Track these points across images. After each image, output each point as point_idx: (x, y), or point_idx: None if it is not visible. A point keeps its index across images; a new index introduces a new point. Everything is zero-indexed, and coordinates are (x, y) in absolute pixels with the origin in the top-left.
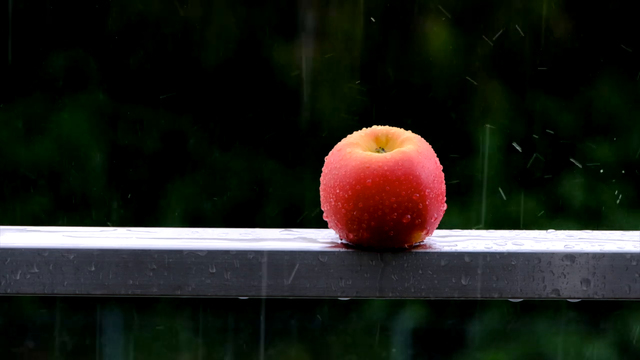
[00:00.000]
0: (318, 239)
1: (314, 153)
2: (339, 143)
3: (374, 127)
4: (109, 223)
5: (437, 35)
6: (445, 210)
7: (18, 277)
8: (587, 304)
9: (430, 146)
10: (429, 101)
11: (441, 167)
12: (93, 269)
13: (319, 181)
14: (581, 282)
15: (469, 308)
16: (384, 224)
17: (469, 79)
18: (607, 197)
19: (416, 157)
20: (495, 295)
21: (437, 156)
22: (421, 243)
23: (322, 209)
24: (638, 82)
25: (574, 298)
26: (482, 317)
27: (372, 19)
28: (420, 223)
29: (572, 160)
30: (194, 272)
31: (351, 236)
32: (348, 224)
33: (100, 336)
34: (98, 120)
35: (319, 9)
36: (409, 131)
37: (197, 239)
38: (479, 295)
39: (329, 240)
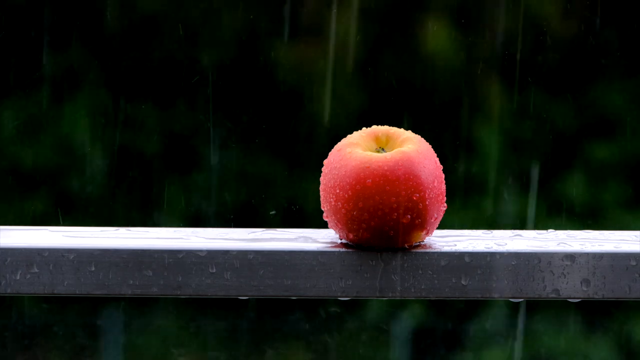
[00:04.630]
0: (318, 239)
1: (314, 153)
2: (339, 143)
3: (374, 127)
4: (109, 223)
5: (437, 35)
6: (445, 210)
7: (18, 277)
8: (587, 304)
9: (430, 146)
10: (429, 101)
11: (441, 167)
12: (93, 269)
13: (319, 181)
14: (581, 282)
15: (469, 308)
16: (384, 224)
17: (469, 78)
18: (607, 197)
19: (416, 157)
20: (495, 295)
21: (437, 156)
22: (421, 243)
23: (322, 209)
24: (638, 82)
25: (574, 298)
26: (482, 317)
27: (371, 18)
28: (420, 223)
29: (572, 160)
30: (194, 272)
31: (351, 236)
32: (348, 224)
33: (100, 336)
34: (98, 119)
35: (319, 8)
36: (409, 131)
37: (197, 239)
38: (479, 295)
39: (329, 240)
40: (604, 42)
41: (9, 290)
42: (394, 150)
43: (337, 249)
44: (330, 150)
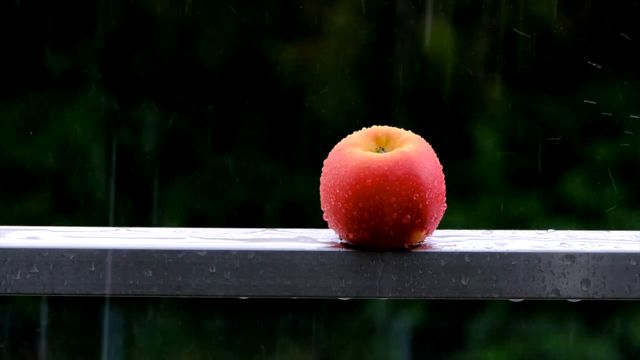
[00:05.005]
0: (318, 239)
1: (314, 153)
2: (339, 143)
3: (374, 127)
4: (109, 223)
5: (437, 35)
6: (445, 210)
7: (18, 277)
8: (587, 304)
9: (430, 146)
10: (429, 101)
11: (441, 167)
12: (93, 269)
13: (319, 181)
14: (581, 282)
15: (469, 308)
16: (384, 224)
17: (469, 78)
18: (607, 197)
19: (416, 157)
20: (495, 295)
21: (437, 156)
22: (421, 243)
23: (322, 209)
24: (638, 82)
25: (574, 298)
26: (482, 317)
27: (371, 18)
28: (420, 223)
29: (572, 160)
30: (194, 272)
31: (351, 236)
32: (348, 224)
33: (100, 336)
34: (98, 120)
35: (319, 8)
36: (409, 131)
37: (197, 239)
38: (479, 295)
39: (329, 240)
40: (604, 42)
41: (9, 290)
42: (394, 150)
43: (337, 249)
44: (330, 150)
